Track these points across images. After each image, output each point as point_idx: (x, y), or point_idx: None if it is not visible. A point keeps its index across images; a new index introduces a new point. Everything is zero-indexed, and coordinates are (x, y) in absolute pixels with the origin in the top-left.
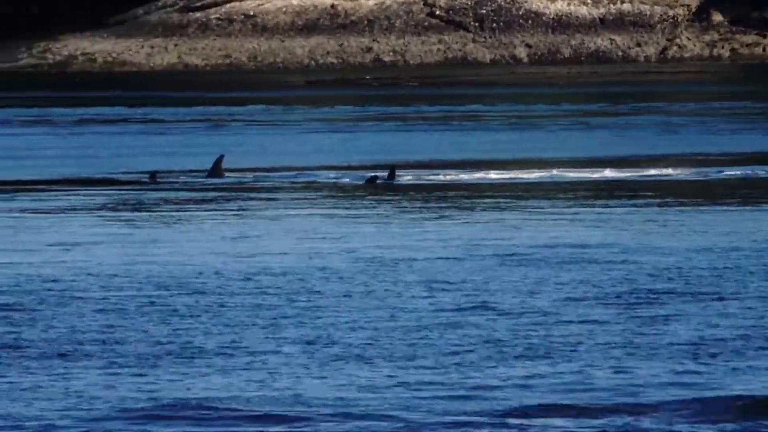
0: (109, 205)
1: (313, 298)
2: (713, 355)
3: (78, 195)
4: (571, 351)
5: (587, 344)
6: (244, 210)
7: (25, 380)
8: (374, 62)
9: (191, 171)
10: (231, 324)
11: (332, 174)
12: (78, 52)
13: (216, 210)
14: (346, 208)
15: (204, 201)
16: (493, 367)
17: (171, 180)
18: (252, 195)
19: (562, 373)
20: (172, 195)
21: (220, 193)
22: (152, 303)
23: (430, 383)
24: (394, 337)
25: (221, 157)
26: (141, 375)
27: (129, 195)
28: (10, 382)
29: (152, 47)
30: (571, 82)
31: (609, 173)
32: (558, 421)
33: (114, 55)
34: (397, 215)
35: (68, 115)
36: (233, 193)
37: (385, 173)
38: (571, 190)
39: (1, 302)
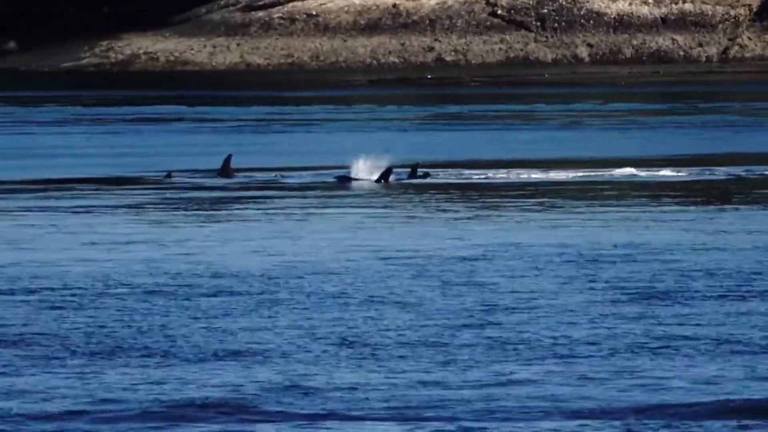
0: (131, 205)
1: (339, 298)
2: (735, 354)
3: (103, 194)
4: (594, 351)
5: (609, 344)
6: (265, 209)
7: (50, 377)
8: (436, 62)
9: (204, 170)
10: (259, 323)
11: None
12: (140, 51)
13: (239, 210)
14: (363, 207)
15: (222, 201)
16: (514, 366)
17: (184, 179)
18: (269, 194)
19: (583, 371)
20: (188, 195)
21: (233, 193)
22: (177, 302)
23: (452, 383)
24: (420, 336)
25: (230, 156)
26: (166, 374)
27: (149, 194)
28: (32, 380)
29: (214, 46)
30: (633, 82)
31: (644, 173)
32: (576, 422)
33: (176, 54)
34: (417, 214)
35: (122, 114)
36: (246, 193)
37: (406, 171)
38: (603, 190)
39: (29, 300)
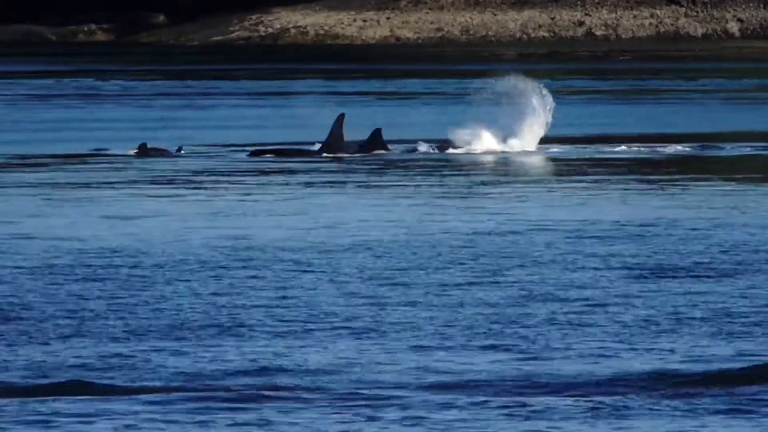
0: (157, 178)
1: (370, 275)
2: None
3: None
4: (625, 326)
5: (639, 318)
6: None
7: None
8: (586, 36)
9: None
10: (293, 298)
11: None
12: (290, 25)
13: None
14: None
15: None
16: (544, 341)
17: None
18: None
19: (612, 347)
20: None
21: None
22: (214, 277)
23: (482, 361)
24: (453, 315)
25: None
26: (202, 349)
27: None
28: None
29: (364, 20)
30: None
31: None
32: (600, 397)
33: (326, 28)
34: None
35: (272, 87)
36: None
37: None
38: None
39: (50, 274)
